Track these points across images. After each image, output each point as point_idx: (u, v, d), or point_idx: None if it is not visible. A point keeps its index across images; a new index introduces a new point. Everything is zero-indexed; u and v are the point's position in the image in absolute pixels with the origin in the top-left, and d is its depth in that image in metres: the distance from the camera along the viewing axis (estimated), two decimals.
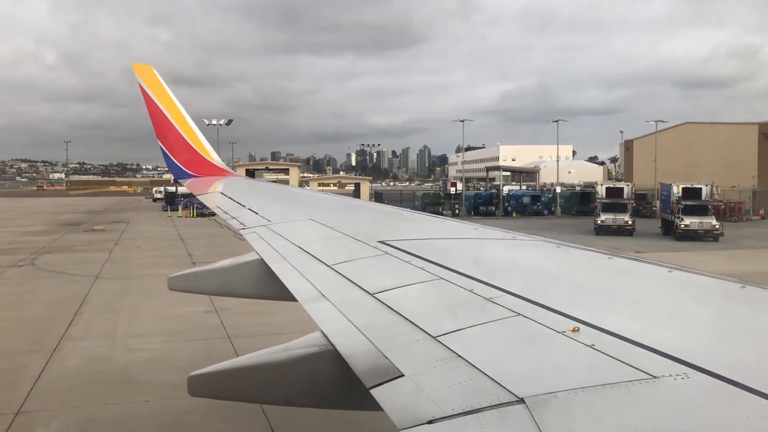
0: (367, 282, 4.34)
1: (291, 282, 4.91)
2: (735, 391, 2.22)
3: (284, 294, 4.96)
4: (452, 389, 2.57)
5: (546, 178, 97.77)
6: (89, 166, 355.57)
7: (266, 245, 6.45)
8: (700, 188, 49.00)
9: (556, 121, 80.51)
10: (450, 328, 3.22)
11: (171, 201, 68.07)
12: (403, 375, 2.81)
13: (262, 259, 6.08)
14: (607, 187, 54.06)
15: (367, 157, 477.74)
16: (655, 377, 2.36)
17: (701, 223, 43.43)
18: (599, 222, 47.48)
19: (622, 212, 48.23)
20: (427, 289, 4.06)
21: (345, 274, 4.68)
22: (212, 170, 14.75)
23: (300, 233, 6.78)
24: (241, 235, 7.55)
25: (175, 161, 14.37)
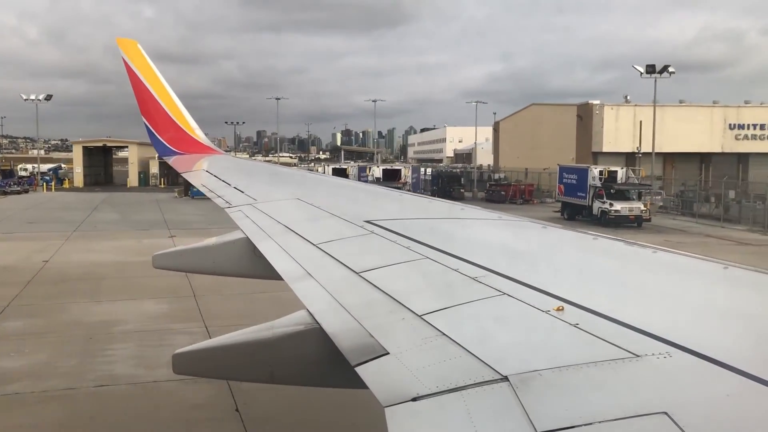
0: (353, 261, 4.33)
1: (277, 261, 4.89)
2: (716, 370, 2.25)
3: (269, 273, 4.95)
4: (437, 367, 2.58)
5: (482, 159, 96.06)
6: (71, 144, 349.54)
7: (252, 224, 6.41)
8: (399, 170, 49.30)
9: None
10: (435, 307, 3.22)
11: (6, 177, 68.03)
12: (388, 353, 2.81)
13: (247, 237, 6.05)
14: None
15: (353, 137, 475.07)
16: (638, 356, 2.39)
17: None
18: None
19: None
20: (412, 269, 4.06)
21: (331, 253, 4.67)
22: (197, 148, 14.58)
23: (286, 212, 6.74)
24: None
25: (159, 138, 14.16)
